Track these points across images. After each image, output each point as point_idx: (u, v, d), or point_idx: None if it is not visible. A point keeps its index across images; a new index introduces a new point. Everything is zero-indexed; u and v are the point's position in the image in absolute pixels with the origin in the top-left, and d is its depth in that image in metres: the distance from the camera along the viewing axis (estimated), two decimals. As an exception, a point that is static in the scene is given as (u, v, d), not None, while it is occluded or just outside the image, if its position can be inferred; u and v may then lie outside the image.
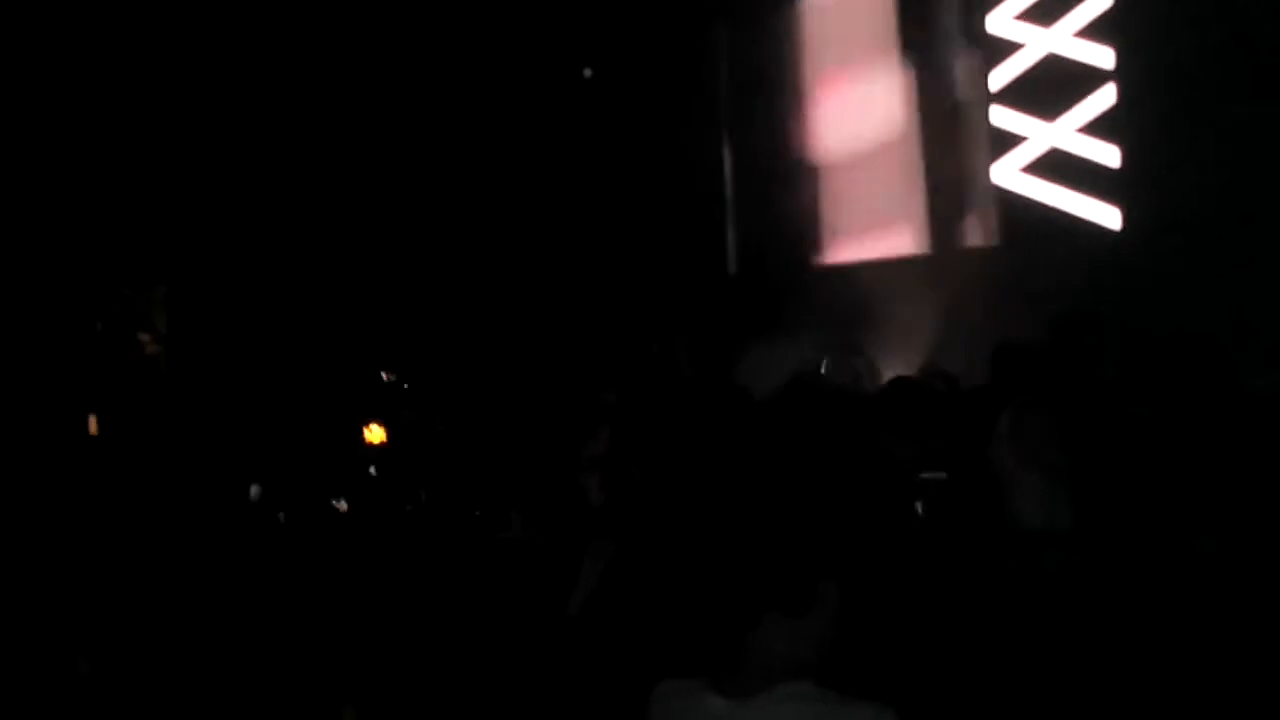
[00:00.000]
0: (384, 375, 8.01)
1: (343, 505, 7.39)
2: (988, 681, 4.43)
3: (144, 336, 7.78)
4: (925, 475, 5.70)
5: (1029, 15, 6.99)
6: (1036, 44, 6.94)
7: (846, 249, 7.77)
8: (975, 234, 7.27)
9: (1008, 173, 7.07)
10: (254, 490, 7.49)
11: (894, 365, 6.69)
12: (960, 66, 7.33)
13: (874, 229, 7.65)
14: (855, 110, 7.73)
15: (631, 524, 4.44)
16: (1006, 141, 7.08)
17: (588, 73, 8.33)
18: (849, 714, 1.96)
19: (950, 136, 7.35)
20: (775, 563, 1.97)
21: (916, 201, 7.49)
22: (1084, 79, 6.72)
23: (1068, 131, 6.78)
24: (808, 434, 5.54)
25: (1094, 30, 6.71)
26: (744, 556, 2.00)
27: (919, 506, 5.53)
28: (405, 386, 7.97)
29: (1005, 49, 7.09)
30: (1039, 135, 6.92)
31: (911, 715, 2.04)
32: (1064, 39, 6.81)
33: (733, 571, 2.00)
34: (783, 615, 1.96)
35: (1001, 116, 7.11)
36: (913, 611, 4.43)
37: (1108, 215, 6.64)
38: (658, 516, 4.51)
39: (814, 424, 5.45)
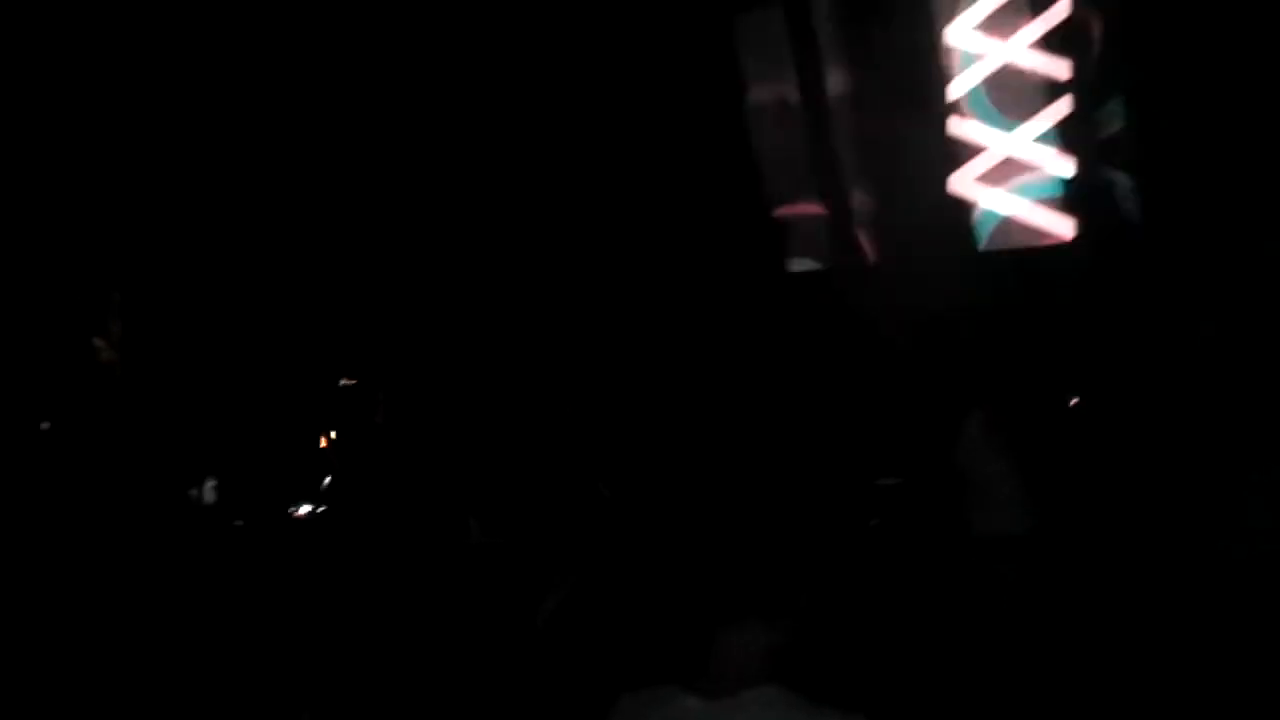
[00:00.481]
0: (344, 381, 7.98)
1: (301, 511, 7.34)
2: (952, 685, 4.48)
3: (99, 342, 7.71)
4: (882, 481, 5.77)
5: (987, 26, 7.05)
6: (995, 55, 7.00)
7: (804, 257, 7.80)
8: (934, 242, 7.32)
9: (964, 182, 7.13)
10: (209, 492, 7.44)
11: (852, 373, 6.73)
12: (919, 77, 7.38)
13: (832, 238, 7.70)
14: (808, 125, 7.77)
15: (601, 536, 4.46)
16: (964, 151, 7.14)
17: None
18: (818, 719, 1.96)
19: (907, 146, 7.40)
20: (749, 566, 1.97)
21: (874, 211, 7.54)
22: (1041, 90, 6.80)
23: (1024, 141, 6.86)
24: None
25: (1050, 41, 6.79)
26: (718, 560, 2.01)
27: (877, 512, 5.60)
28: (367, 392, 7.95)
29: (964, 60, 7.15)
30: (997, 145, 6.98)
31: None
32: (1021, 50, 6.88)
33: (707, 574, 2.00)
34: (755, 618, 1.96)
35: (959, 127, 7.18)
36: (875, 616, 4.49)
37: (1061, 225, 6.72)
38: (627, 525, 4.54)
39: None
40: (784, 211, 7.87)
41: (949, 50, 7.17)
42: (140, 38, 7.60)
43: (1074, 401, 5.79)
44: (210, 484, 7.46)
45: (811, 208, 7.77)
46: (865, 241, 7.49)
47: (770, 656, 2.00)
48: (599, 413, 7.21)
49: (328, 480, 7.57)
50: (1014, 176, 6.91)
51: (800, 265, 7.75)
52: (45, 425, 7.39)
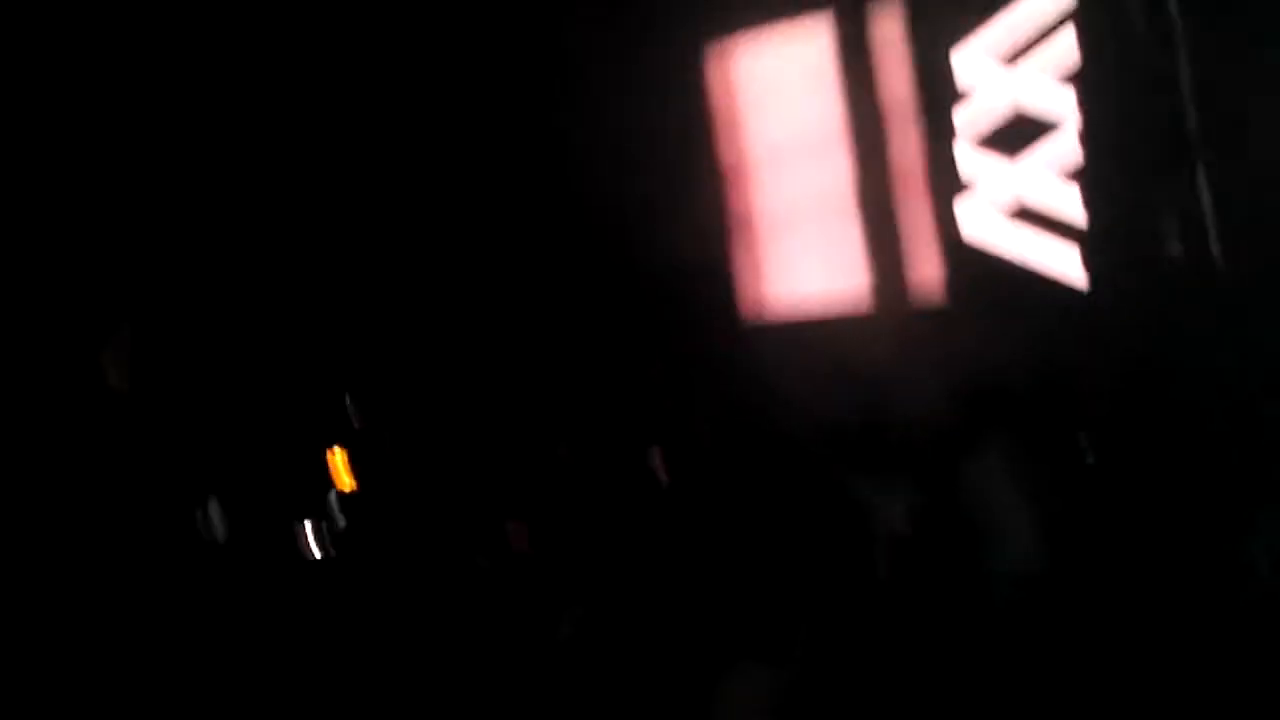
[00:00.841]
0: (349, 401, 7.98)
1: (309, 533, 7.36)
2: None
3: (106, 363, 7.71)
4: (895, 525, 5.80)
5: (996, 58, 7.09)
6: (1001, 88, 7.04)
7: (803, 297, 7.85)
8: (937, 283, 7.36)
9: (970, 218, 7.16)
10: (215, 514, 7.45)
11: (858, 417, 6.75)
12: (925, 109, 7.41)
13: (830, 279, 7.72)
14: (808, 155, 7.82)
15: (599, 580, 4.51)
16: (969, 186, 7.19)
17: None
18: None
19: (911, 180, 7.44)
20: (751, 611, 2.02)
21: (872, 250, 7.58)
22: (1048, 125, 6.85)
23: (1031, 178, 6.89)
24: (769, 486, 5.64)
25: (1059, 75, 6.83)
26: (720, 606, 2.05)
27: (885, 556, 5.64)
28: (371, 414, 7.95)
29: (969, 92, 7.19)
30: (1002, 181, 7.02)
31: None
32: (1029, 83, 6.93)
33: (709, 620, 2.05)
34: (756, 662, 2.00)
35: (965, 160, 7.22)
36: (879, 658, 4.53)
37: (1071, 264, 6.75)
38: (627, 569, 4.59)
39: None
40: (771, 253, 7.92)
41: (955, 84, 7.22)
42: (149, 64, 7.63)
43: (1085, 441, 5.85)
44: (216, 506, 7.48)
45: (811, 241, 7.83)
46: (876, 275, 7.54)
47: (772, 697, 2.06)
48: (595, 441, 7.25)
49: (335, 500, 7.59)
50: (1022, 213, 6.95)
51: (807, 299, 7.85)
52: (52, 446, 7.38)
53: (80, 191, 7.70)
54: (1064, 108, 6.74)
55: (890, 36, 7.42)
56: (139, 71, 7.69)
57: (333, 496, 7.60)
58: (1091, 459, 5.73)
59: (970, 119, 7.10)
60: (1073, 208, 6.72)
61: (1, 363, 7.32)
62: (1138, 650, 4.87)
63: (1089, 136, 6.63)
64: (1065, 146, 6.75)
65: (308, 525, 7.42)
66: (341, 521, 7.38)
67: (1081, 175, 6.70)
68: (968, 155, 7.12)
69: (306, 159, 8.13)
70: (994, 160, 7.03)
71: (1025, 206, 6.92)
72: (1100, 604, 5.09)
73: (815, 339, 7.47)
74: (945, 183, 7.20)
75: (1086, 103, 6.65)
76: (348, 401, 7.89)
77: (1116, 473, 5.60)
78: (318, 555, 7.27)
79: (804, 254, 7.79)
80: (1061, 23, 6.74)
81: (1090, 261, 6.64)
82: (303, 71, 8.06)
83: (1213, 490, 5.22)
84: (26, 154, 7.51)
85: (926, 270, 7.29)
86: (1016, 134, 6.93)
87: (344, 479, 7.57)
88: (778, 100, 7.86)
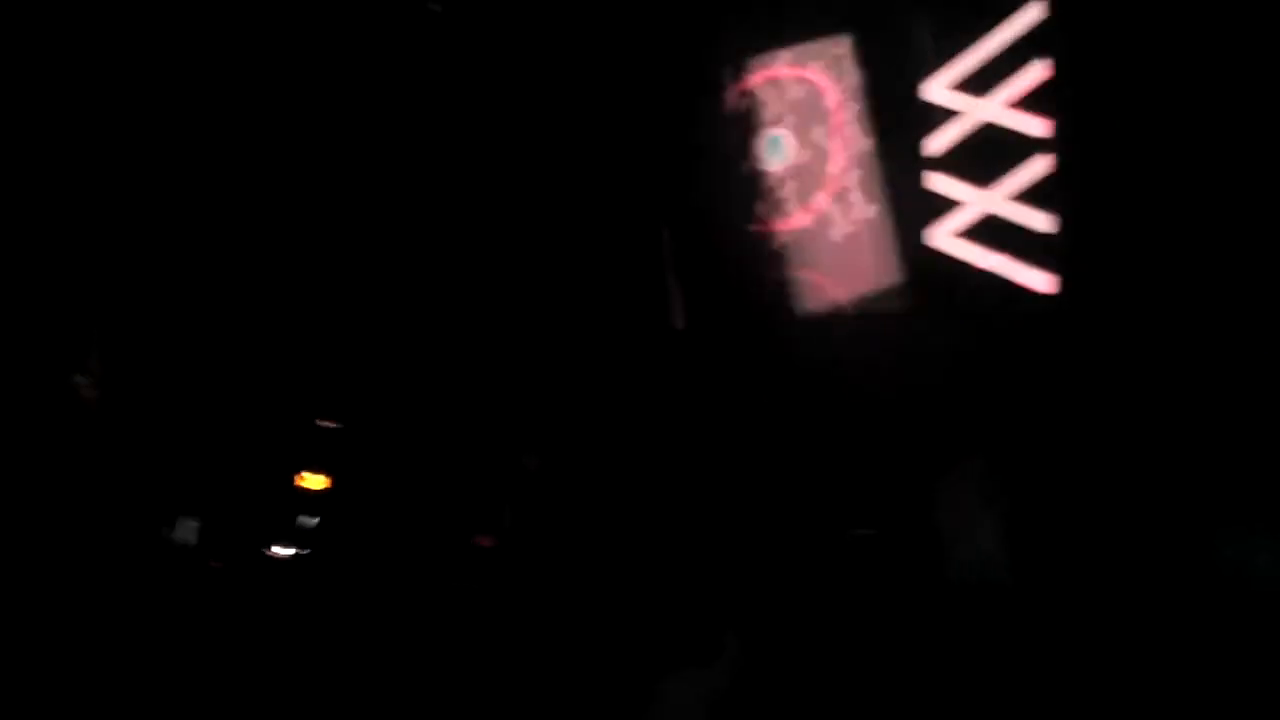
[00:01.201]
0: (320, 422, 7.98)
1: (283, 552, 7.33)
2: None
3: (80, 380, 7.68)
4: (856, 531, 5.81)
5: (964, 85, 7.17)
6: (972, 112, 7.12)
7: (784, 307, 7.88)
8: (910, 296, 7.40)
9: (942, 237, 7.22)
10: (186, 532, 7.42)
11: (828, 425, 6.78)
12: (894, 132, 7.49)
13: (809, 289, 7.78)
14: (787, 174, 7.89)
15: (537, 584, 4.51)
16: (940, 207, 7.25)
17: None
18: None
19: (883, 201, 7.51)
20: (683, 616, 2.03)
21: (848, 262, 7.64)
22: (1019, 147, 6.91)
23: (1003, 198, 6.95)
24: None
25: (1030, 101, 6.90)
26: (654, 611, 2.06)
27: (849, 562, 5.63)
28: (344, 433, 7.94)
29: (940, 116, 7.27)
30: (974, 201, 7.08)
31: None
32: (999, 109, 7.00)
33: (644, 624, 2.05)
34: (689, 665, 2.02)
35: (936, 182, 7.28)
36: (824, 661, 4.52)
37: (1042, 281, 6.80)
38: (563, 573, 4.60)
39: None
40: (754, 266, 7.98)
41: (926, 106, 7.30)
42: (118, 84, 7.66)
43: (1057, 451, 5.85)
44: (188, 523, 7.45)
45: (784, 260, 7.88)
46: (843, 292, 7.58)
47: (707, 701, 2.07)
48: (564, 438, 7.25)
49: (306, 521, 7.57)
50: (994, 232, 7.00)
51: (782, 312, 7.84)
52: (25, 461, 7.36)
53: (53, 203, 7.70)
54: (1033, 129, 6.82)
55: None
56: (107, 90, 7.71)
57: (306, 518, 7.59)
58: (1059, 467, 5.74)
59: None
60: (1041, 220, 6.79)
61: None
62: (1107, 661, 4.86)
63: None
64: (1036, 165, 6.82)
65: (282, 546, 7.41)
66: (313, 520, 7.37)
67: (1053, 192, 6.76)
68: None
69: (275, 169, 8.16)
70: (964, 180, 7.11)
71: (994, 219, 6.97)
72: (1067, 614, 5.07)
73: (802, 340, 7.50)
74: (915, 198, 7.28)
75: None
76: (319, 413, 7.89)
77: (1085, 480, 5.60)
78: (287, 554, 7.26)
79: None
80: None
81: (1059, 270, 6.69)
82: (283, 73, 8.09)
83: (1184, 496, 5.23)
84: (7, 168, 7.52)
85: (892, 276, 7.32)
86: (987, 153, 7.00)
87: (316, 483, 7.58)
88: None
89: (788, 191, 7.87)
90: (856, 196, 7.63)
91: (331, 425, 7.90)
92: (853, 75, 7.67)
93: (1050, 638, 4.93)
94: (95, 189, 7.81)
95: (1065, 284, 6.69)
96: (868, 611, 5.16)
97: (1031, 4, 6.82)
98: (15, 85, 7.46)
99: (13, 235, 7.56)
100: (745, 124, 8.04)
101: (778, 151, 7.91)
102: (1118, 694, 4.72)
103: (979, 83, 7.06)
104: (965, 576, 5.07)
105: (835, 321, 7.52)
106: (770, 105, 7.99)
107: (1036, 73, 6.82)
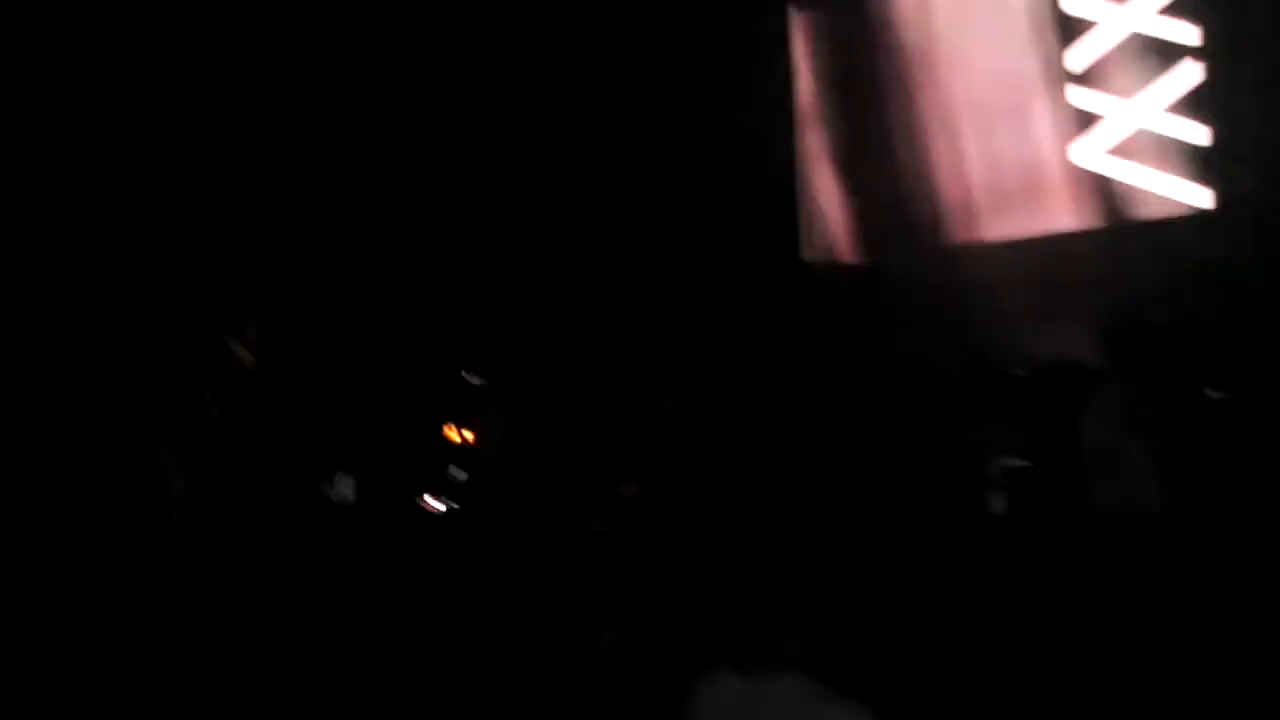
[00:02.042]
0: (466, 376, 8.07)
1: (440, 505, 7.44)
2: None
3: (238, 346, 7.93)
4: (1009, 463, 5.63)
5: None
6: (1116, 22, 6.82)
7: (932, 235, 7.71)
8: (1061, 217, 7.15)
9: (1093, 154, 6.95)
10: (345, 488, 7.58)
11: (979, 351, 6.59)
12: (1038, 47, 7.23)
13: (957, 215, 7.60)
14: (934, 95, 7.70)
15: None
16: (1089, 122, 6.98)
17: None
18: (828, 709, 2.19)
19: (1031, 118, 7.27)
20: (786, 572, 2.14)
21: (998, 186, 7.42)
22: (1167, 56, 6.60)
23: (1154, 110, 6.65)
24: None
25: (1177, 6, 6.59)
26: (762, 565, 2.18)
27: (1002, 495, 5.48)
28: (488, 386, 8.02)
29: (1082, 28, 6.99)
30: (1123, 115, 6.80)
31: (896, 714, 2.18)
32: (1145, 16, 6.69)
33: (753, 578, 2.19)
34: (792, 618, 2.13)
35: (1082, 97, 7.00)
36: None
37: (1199, 195, 6.49)
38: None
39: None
40: (902, 190, 7.84)
41: (1070, 19, 7.04)
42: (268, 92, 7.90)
43: (1210, 377, 5.58)
44: (345, 480, 7.62)
45: (932, 185, 7.72)
46: (990, 219, 7.38)
47: (802, 650, 2.23)
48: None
49: (456, 474, 7.67)
50: (1146, 146, 6.71)
51: (923, 244, 7.70)
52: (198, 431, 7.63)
53: (208, 188, 7.96)
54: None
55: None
56: (275, 83, 7.95)
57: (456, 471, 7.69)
58: (1216, 394, 5.47)
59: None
60: (1197, 132, 6.47)
61: (136, 346, 7.58)
62: (1257, 592, 4.64)
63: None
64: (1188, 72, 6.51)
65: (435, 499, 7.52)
66: (463, 475, 7.46)
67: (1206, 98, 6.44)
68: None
69: (407, 156, 8.32)
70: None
71: (1148, 133, 6.68)
72: (1220, 546, 4.85)
73: (931, 274, 7.34)
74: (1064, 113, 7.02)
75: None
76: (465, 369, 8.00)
77: (1241, 408, 5.34)
78: (441, 509, 7.37)
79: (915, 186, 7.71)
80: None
81: (1216, 183, 6.37)
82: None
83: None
84: (161, 155, 7.79)
85: (1044, 199, 7.09)
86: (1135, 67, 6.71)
87: (462, 437, 7.68)
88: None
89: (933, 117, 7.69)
90: (1001, 117, 7.40)
91: (476, 380, 7.98)
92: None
93: (1202, 569, 4.72)
94: (250, 178, 8.08)
95: (1221, 198, 6.39)
96: (1021, 543, 5.05)
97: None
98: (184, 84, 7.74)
99: (180, 219, 7.84)
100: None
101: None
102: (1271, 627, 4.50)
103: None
104: (1114, 505, 4.87)
105: (983, 248, 7.33)
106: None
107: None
